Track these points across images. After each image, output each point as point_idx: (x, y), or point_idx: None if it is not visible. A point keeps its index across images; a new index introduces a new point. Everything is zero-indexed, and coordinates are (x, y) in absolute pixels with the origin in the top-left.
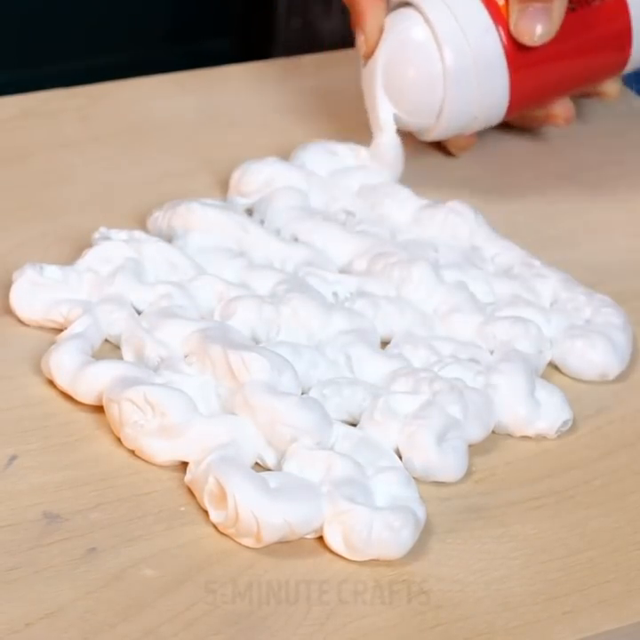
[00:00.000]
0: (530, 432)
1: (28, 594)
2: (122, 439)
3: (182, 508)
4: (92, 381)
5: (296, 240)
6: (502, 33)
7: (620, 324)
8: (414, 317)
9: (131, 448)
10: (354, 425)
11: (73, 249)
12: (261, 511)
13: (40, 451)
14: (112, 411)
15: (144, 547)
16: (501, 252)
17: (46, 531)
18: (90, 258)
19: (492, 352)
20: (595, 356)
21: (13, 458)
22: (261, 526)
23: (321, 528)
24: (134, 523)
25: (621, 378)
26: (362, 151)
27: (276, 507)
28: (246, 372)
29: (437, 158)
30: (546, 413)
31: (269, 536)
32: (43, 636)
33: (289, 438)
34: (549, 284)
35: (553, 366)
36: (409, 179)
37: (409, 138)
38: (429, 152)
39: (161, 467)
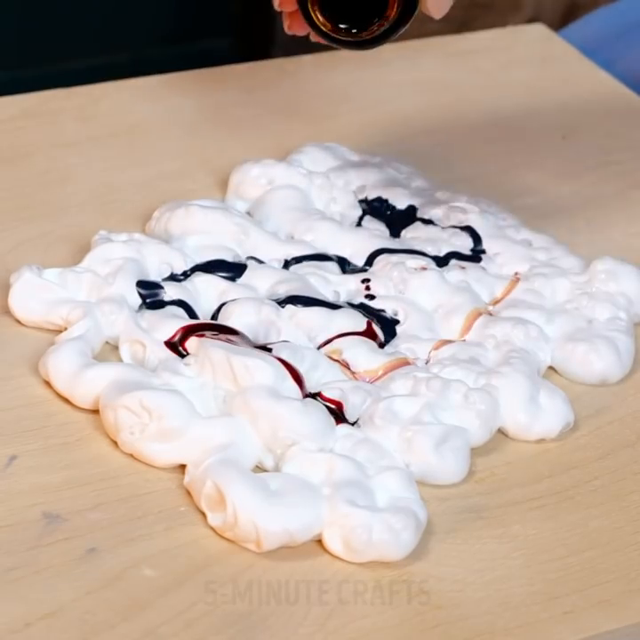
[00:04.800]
0: (531, 437)
1: (28, 594)
2: (119, 444)
3: (182, 509)
4: (88, 386)
5: (295, 240)
6: None
7: (624, 325)
8: (415, 317)
9: (128, 452)
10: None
11: (73, 249)
12: (261, 519)
13: (40, 451)
14: (108, 417)
15: (144, 547)
16: (504, 251)
17: (46, 531)
18: (89, 259)
19: (492, 353)
20: (597, 362)
21: (13, 458)
22: (261, 534)
23: (321, 533)
24: (134, 523)
25: (621, 379)
26: None
27: (275, 514)
28: (250, 377)
29: (443, 150)
30: (547, 417)
31: (269, 544)
32: (43, 636)
33: (290, 443)
34: (555, 284)
35: (553, 368)
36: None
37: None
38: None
39: (161, 467)
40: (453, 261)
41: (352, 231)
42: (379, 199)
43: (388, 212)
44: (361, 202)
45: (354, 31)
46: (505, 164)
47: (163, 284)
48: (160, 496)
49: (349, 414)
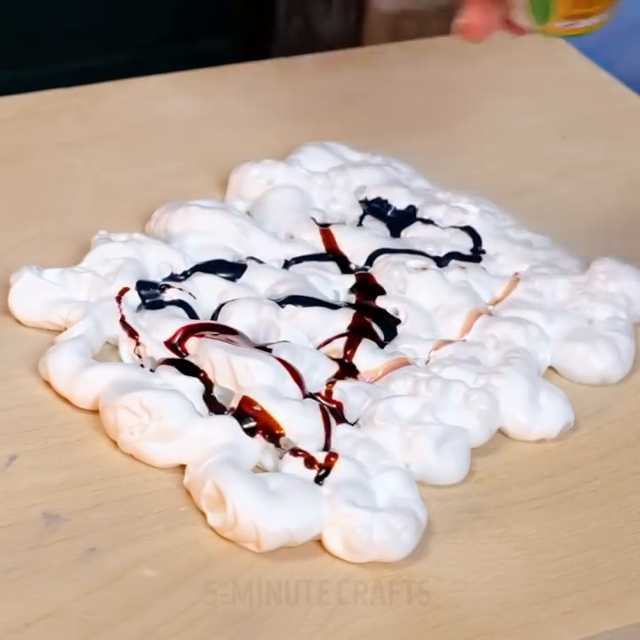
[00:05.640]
0: (531, 437)
1: (28, 594)
2: (118, 444)
3: (182, 509)
4: (88, 386)
5: (295, 240)
6: None
7: (624, 325)
8: (415, 317)
9: (127, 453)
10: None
11: (73, 249)
12: (261, 520)
13: (40, 451)
14: (108, 417)
15: (144, 547)
16: (504, 251)
17: (46, 531)
18: (89, 259)
19: (492, 353)
20: (597, 362)
21: (13, 458)
22: (261, 535)
23: (321, 533)
24: (134, 523)
25: (621, 379)
26: None
27: (275, 514)
28: (250, 378)
29: (443, 150)
30: (547, 418)
31: (269, 544)
32: (42, 636)
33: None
34: (555, 284)
35: (553, 368)
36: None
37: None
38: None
39: (161, 467)
40: (453, 262)
41: (351, 230)
42: (378, 199)
43: (388, 212)
44: (361, 202)
45: None
46: (505, 164)
47: (163, 284)
48: (160, 496)
49: (349, 414)
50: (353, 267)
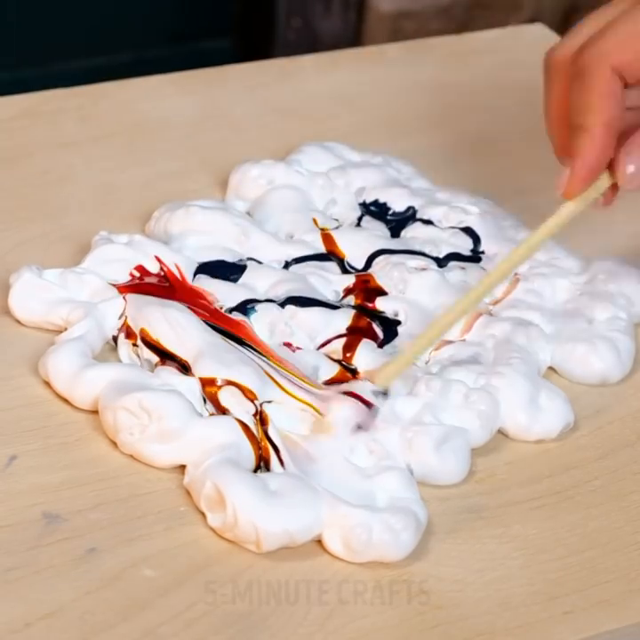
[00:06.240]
0: (531, 438)
1: (28, 594)
2: (118, 445)
3: (182, 509)
4: (87, 387)
5: (295, 240)
6: None
7: (624, 325)
8: (416, 317)
9: (127, 453)
10: None
11: (73, 249)
12: (261, 520)
13: (40, 451)
14: (107, 418)
15: (144, 547)
16: (504, 251)
17: (46, 531)
18: (90, 260)
19: (492, 353)
20: (597, 362)
21: (13, 458)
22: (261, 535)
23: (321, 533)
24: (134, 523)
25: (621, 379)
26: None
27: (275, 515)
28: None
29: (443, 150)
30: (547, 418)
31: (269, 545)
32: (42, 636)
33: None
34: (555, 284)
35: (553, 368)
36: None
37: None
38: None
39: (161, 468)
40: (453, 262)
41: (351, 230)
42: (377, 202)
43: (388, 213)
44: (360, 205)
45: None
46: (505, 164)
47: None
48: (160, 496)
49: None
50: (352, 270)
